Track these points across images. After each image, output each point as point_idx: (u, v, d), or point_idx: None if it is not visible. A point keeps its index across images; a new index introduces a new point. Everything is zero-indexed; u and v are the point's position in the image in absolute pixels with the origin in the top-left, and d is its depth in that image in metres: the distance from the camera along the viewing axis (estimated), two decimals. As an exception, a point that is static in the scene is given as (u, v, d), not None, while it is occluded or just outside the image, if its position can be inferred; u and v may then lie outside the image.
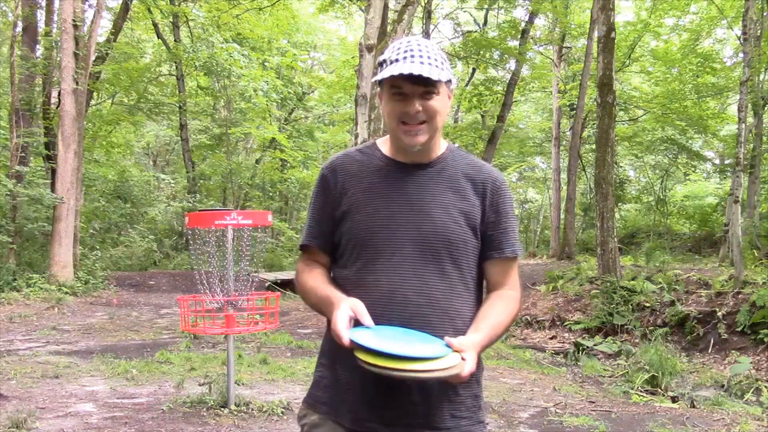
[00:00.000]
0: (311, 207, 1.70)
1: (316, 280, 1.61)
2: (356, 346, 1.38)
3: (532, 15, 20.04)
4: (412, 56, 1.50)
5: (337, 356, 1.56)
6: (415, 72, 1.46)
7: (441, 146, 1.66)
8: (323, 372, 1.63)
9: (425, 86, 1.50)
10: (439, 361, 1.36)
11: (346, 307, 1.45)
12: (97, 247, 16.72)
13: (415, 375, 1.33)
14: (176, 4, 20.01)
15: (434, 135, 1.58)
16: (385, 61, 1.54)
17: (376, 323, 1.47)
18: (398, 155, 1.63)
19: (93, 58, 13.97)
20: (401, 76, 1.48)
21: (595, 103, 13.63)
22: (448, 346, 1.42)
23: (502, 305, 1.61)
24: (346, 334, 1.41)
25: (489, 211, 1.62)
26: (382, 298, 1.50)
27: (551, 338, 10.12)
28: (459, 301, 1.56)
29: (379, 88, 1.62)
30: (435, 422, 1.51)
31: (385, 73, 1.51)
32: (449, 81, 1.57)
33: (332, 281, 1.62)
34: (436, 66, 1.51)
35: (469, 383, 1.55)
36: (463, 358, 1.39)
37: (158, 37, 21.25)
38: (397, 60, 1.51)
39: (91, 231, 17.90)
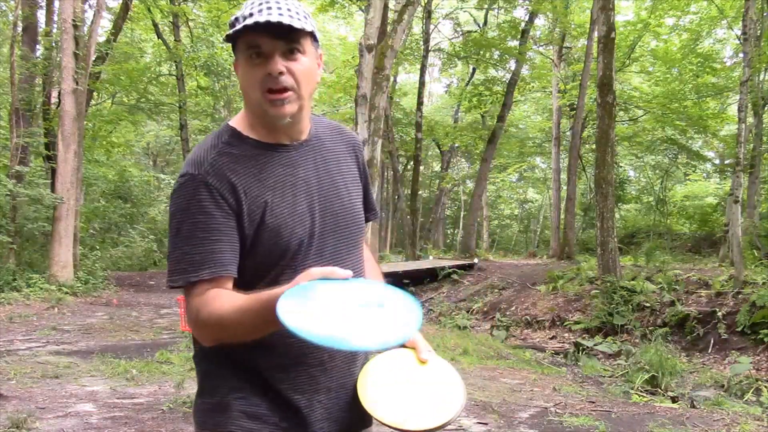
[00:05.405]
0: (201, 229, 1.30)
1: (233, 296, 1.29)
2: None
3: (532, 15, 20.06)
4: (269, 8, 1.29)
5: (288, 379, 1.37)
6: (273, 20, 1.26)
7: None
8: (254, 400, 1.36)
9: (287, 42, 1.31)
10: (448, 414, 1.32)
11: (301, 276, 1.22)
12: (97, 247, 16.74)
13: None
14: (176, 3, 20.01)
15: (304, 104, 1.37)
16: (237, 18, 1.32)
17: None
18: (270, 136, 1.39)
19: (93, 58, 13.97)
20: (257, 25, 1.27)
21: (595, 103, 13.63)
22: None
23: (377, 273, 1.62)
24: (321, 270, 1.20)
25: (363, 173, 1.55)
26: None
27: (551, 338, 10.12)
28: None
29: (235, 58, 1.38)
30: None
31: (237, 27, 1.30)
32: (315, 39, 1.38)
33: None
34: (298, 18, 1.31)
35: None
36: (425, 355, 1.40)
37: (158, 37, 21.24)
38: (251, 14, 1.29)
39: (91, 231, 17.91)
